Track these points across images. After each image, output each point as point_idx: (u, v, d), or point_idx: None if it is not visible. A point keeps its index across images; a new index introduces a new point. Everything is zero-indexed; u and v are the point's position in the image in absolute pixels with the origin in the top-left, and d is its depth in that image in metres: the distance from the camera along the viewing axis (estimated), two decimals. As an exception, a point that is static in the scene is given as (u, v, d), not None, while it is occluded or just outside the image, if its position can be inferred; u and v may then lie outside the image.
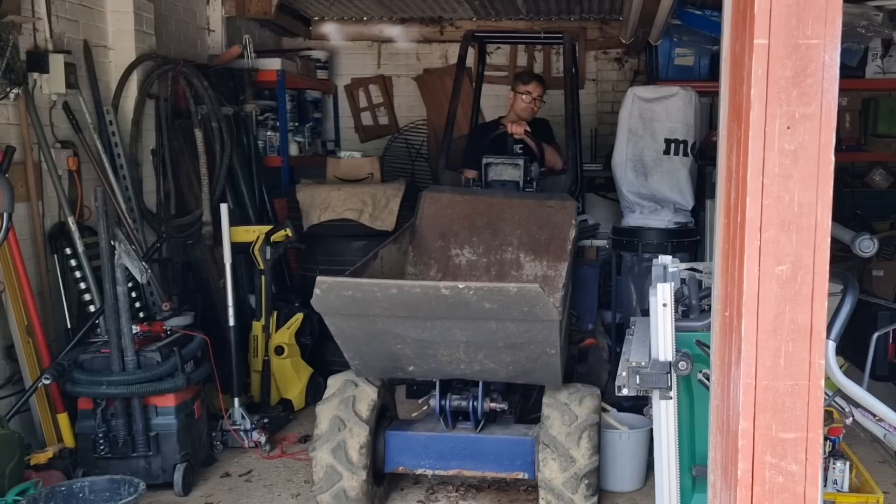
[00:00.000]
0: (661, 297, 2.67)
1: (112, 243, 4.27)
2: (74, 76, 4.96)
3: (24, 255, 4.51)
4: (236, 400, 5.06)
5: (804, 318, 1.70)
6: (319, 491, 4.04)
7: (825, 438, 3.38)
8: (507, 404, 4.20)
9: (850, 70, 6.88)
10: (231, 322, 5.18)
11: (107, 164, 5.27)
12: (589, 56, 8.41)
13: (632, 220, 5.88)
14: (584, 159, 7.01)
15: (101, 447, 4.30)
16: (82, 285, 4.92)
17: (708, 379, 2.54)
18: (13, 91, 4.54)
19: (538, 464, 3.96)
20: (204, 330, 4.89)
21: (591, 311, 5.66)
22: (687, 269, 3.50)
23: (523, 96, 5.70)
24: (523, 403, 4.67)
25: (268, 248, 5.39)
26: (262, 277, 5.44)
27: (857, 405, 2.93)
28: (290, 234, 5.50)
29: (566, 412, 3.97)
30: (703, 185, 6.14)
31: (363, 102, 8.77)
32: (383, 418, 4.28)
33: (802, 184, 1.67)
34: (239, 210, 6.13)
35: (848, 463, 3.53)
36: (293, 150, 7.39)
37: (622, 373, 2.73)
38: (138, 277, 4.40)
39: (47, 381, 4.27)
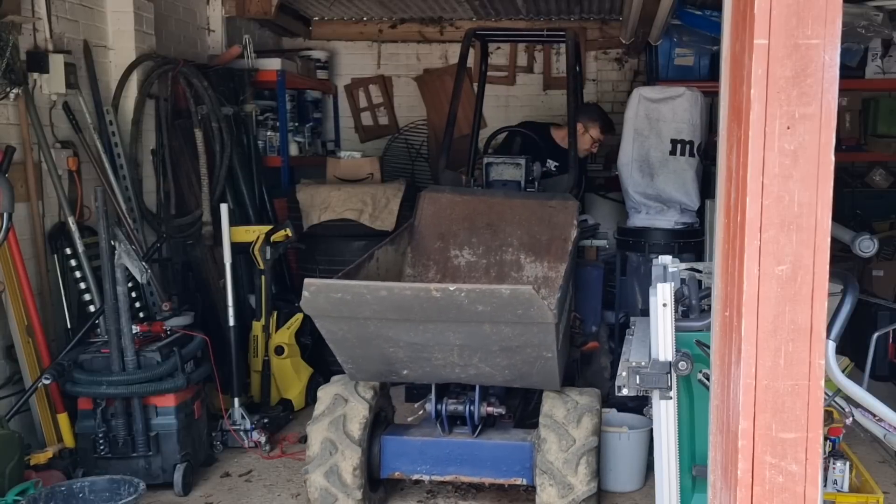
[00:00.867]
0: (661, 297, 2.67)
1: (112, 243, 4.27)
2: (74, 76, 4.96)
3: (24, 255, 4.51)
4: (236, 400, 5.06)
5: (804, 318, 1.70)
6: None
7: (825, 438, 3.38)
8: (504, 409, 4.12)
9: (850, 70, 6.88)
10: (231, 322, 5.18)
11: (107, 164, 5.27)
12: (589, 56, 8.41)
13: (638, 220, 5.88)
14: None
15: (101, 447, 4.30)
16: (82, 285, 4.92)
17: (708, 379, 2.54)
18: (13, 91, 4.54)
19: (536, 487, 3.87)
20: (204, 330, 4.89)
21: (595, 313, 5.61)
22: (687, 269, 3.50)
23: (589, 138, 5.86)
24: (524, 407, 4.60)
25: (268, 248, 5.39)
26: (262, 277, 5.44)
27: (857, 405, 2.93)
28: (290, 234, 5.50)
29: (564, 436, 3.85)
30: (709, 186, 6.15)
31: (363, 102, 8.77)
32: (379, 423, 4.20)
33: (802, 184, 1.67)
34: (239, 210, 6.13)
35: (848, 463, 3.53)
36: (293, 150, 7.39)
37: (622, 373, 2.73)
38: (138, 277, 4.40)
39: (47, 381, 4.27)
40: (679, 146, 5.65)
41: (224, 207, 5.18)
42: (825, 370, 1.76)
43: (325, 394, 4.07)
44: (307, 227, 6.27)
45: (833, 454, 3.50)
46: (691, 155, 5.68)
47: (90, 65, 5.26)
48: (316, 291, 3.44)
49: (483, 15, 8.36)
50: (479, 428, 4.10)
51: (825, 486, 3.40)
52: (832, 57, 1.64)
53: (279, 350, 5.53)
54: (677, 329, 2.74)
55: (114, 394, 4.26)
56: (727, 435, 1.88)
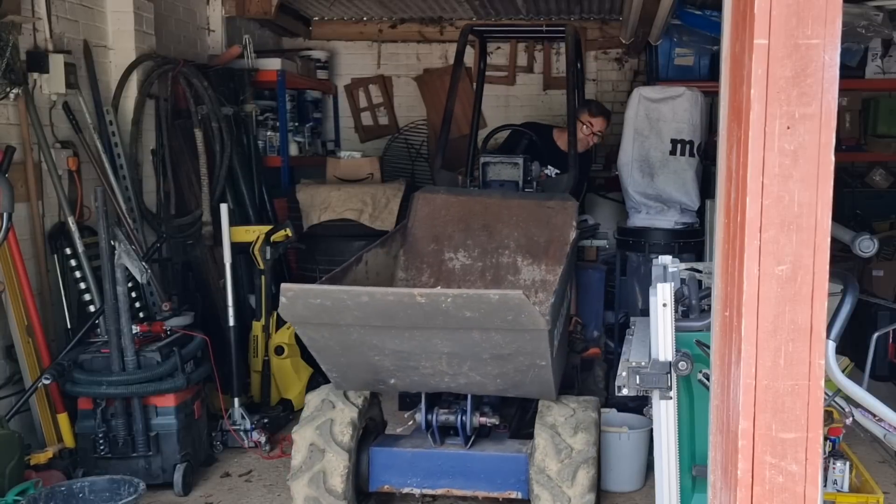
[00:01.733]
0: (661, 297, 2.67)
1: (112, 243, 4.27)
2: (74, 76, 4.96)
3: (24, 255, 4.51)
4: (236, 400, 5.06)
5: (804, 318, 1.70)
6: None
7: (825, 438, 3.38)
8: (498, 419, 3.95)
9: (850, 70, 6.88)
10: (231, 322, 5.19)
11: (107, 164, 5.27)
12: (589, 56, 8.41)
13: (638, 220, 5.88)
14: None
15: (101, 447, 4.31)
16: (82, 285, 4.92)
17: (708, 379, 2.54)
18: (13, 91, 4.54)
19: (531, 501, 3.72)
20: (204, 330, 4.89)
21: (597, 316, 5.50)
22: (687, 269, 3.50)
23: (583, 126, 5.60)
24: (520, 416, 4.43)
25: (268, 248, 5.39)
26: (262, 277, 5.44)
27: (857, 405, 2.93)
28: (290, 234, 5.50)
29: (560, 447, 3.67)
30: (709, 186, 6.15)
31: (363, 102, 8.77)
32: (368, 433, 4.05)
33: (802, 184, 1.67)
34: (239, 210, 6.13)
35: (848, 463, 3.53)
36: (293, 150, 7.39)
37: (622, 373, 2.73)
38: (138, 277, 4.40)
39: (47, 381, 4.27)
40: (679, 146, 5.65)
41: (224, 207, 5.18)
42: (825, 370, 1.76)
43: (313, 398, 3.92)
44: (307, 227, 6.27)
45: (833, 454, 3.50)
46: (691, 155, 5.68)
47: (90, 65, 5.26)
48: (294, 297, 3.26)
49: (483, 15, 8.36)
50: (472, 439, 3.93)
51: (825, 486, 3.40)
52: (832, 57, 1.64)
53: (279, 350, 5.53)
54: (677, 329, 2.74)
55: (114, 394, 4.26)
56: (727, 435, 1.88)
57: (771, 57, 1.65)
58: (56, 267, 4.88)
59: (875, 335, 3.02)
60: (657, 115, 5.71)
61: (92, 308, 4.88)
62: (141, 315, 5.11)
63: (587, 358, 5.18)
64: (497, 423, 3.96)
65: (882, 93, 7.41)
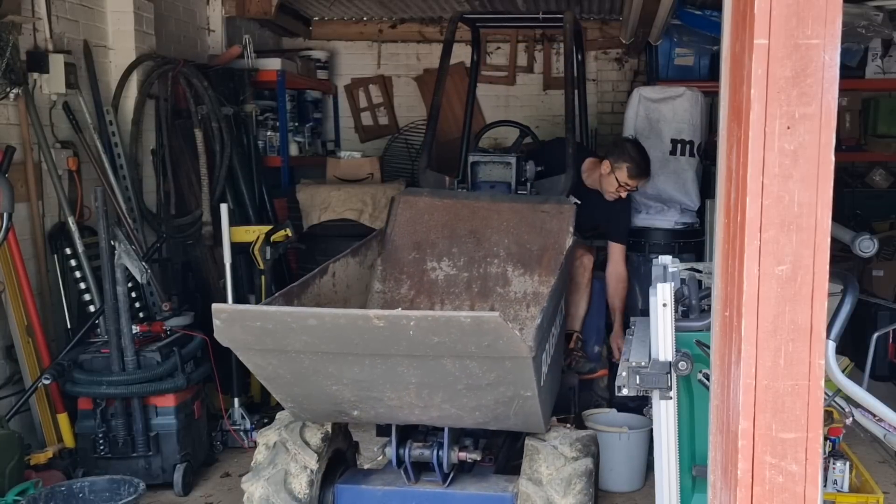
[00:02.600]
0: (661, 297, 2.67)
1: (112, 243, 4.27)
2: (74, 76, 4.97)
3: (24, 255, 4.51)
4: (236, 400, 5.06)
5: (804, 318, 1.70)
6: None
7: (825, 438, 3.38)
8: (479, 455, 3.46)
9: (850, 70, 6.88)
10: (231, 322, 5.17)
11: (107, 164, 5.27)
12: (589, 56, 8.41)
13: (638, 220, 5.88)
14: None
15: (101, 447, 4.31)
16: (82, 285, 4.92)
17: (708, 379, 2.54)
18: (13, 91, 4.54)
19: None
20: (204, 330, 4.88)
21: (599, 331, 5.14)
22: (687, 269, 3.50)
23: (620, 186, 4.83)
24: (510, 444, 3.96)
25: (268, 248, 5.39)
26: (262, 277, 5.44)
27: (857, 405, 2.93)
28: (290, 234, 5.50)
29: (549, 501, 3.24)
30: (709, 186, 6.15)
31: (363, 102, 8.77)
32: (334, 469, 3.62)
33: (802, 184, 1.67)
34: (239, 210, 6.13)
35: (848, 463, 3.53)
36: (293, 150, 7.39)
37: (622, 373, 2.73)
38: (138, 277, 4.40)
39: (47, 381, 4.27)
40: (679, 146, 5.65)
41: (224, 207, 5.18)
42: (825, 370, 1.76)
43: (264, 440, 3.46)
44: (307, 227, 6.27)
45: (833, 454, 3.50)
46: (691, 155, 5.68)
47: (90, 65, 5.26)
48: (229, 320, 2.83)
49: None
50: (451, 475, 3.46)
51: (825, 486, 3.40)
52: (832, 57, 1.64)
53: (279, 350, 5.51)
54: (677, 329, 2.74)
55: (114, 394, 4.26)
56: (727, 435, 1.88)
57: (771, 57, 1.65)
58: (56, 267, 4.88)
59: (875, 335, 3.02)
60: (657, 115, 5.71)
61: (92, 308, 4.88)
62: (141, 315, 5.11)
63: (588, 381, 4.86)
64: (478, 458, 3.48)
65: (882, 93, 7.41)
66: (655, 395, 2.72)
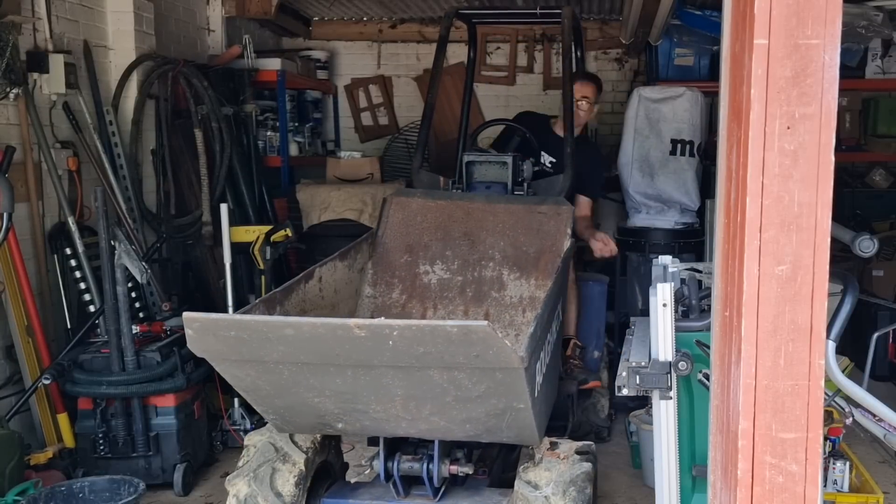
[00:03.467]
0: (661, 297, 2.67)
1: (112, 243, 4.27)
2: (74, 76, 4.97)
3: (24, 255, 4.51)
4: (236, 400, 5.06)
5: (804, 318, 1.70)
6: None
7: (825, 438, 3.38)
8: (471, 468, 3.30)
9: (850, 70, 6.89)
10: (231, 322, 5.17)
11: (107, 164, 5.27)
12: (589, 56, 8.41)
13: (638, 220, 5.89)
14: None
15: (101, 447, 4.31)
16: (82, 285, 4.92)
17: (708, 379, 2.54)
18: (13, 91, 4.54)
19: None
20: (204, 330, 4.88)
21: (599, 336, 4.99)
22: (687, 269, 3.50)
23: (579, 102, 4.90)
24: (505, 455, 3.82)
25: (268, 248, 5.39)
26: (262, 277, 5.44)
27: (857, 405, 2.93)
28: (290, 234, 5.50)
29: None
30: (709, 186, 6.16)
31: (363, 102, 8.77)
32: (320, 480, 3.49)
33: (802, 184, 1.67)
34: (239, 210, 6.13)
35: (848, 463, 3.54)
36: (293, 150, 7.39)
37: (622, 373, 2.73)
38: (138, 277, 4.40)
39: (47, 381, 4.27)
40: (679, 146, 5.66)
41: (224, 207, 5.18)
42: (825, 370, 1.76)
43: (252, 441, 3.34)
44: (307, 227, 6.27)
45: (833, 454, 3.50)
46: (691, 155, 5.69)
47: (90, 65, 5.26)
48: (202, 329, 2.69)
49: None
50: (443, 489, 3.33)
51: (825, 486, 3.40)
52: (832, 57, 1.64)
53: (279, 350, 5.51)
54: (677, 329, 2.74)
55: (114, 394, 4.26)
56: (727, 435, 1.88)
57: (771, 57, 1.65)
58: (56, 267, 4.88)
59: (875, 335, 3.02)
60: (657, 115, 5.72)
61: (92, 308, 4.88)
62: (141, 315, 5.11)
63: (586, 390, 4.70)
64: (470, 472, 3.31)
65: (882, 93, 7.42)
66: (655, 395, 2.72)
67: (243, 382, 2.95)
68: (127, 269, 4.30)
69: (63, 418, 4.47)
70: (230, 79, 6.51)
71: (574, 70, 5.20)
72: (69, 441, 4.44)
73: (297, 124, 7.64)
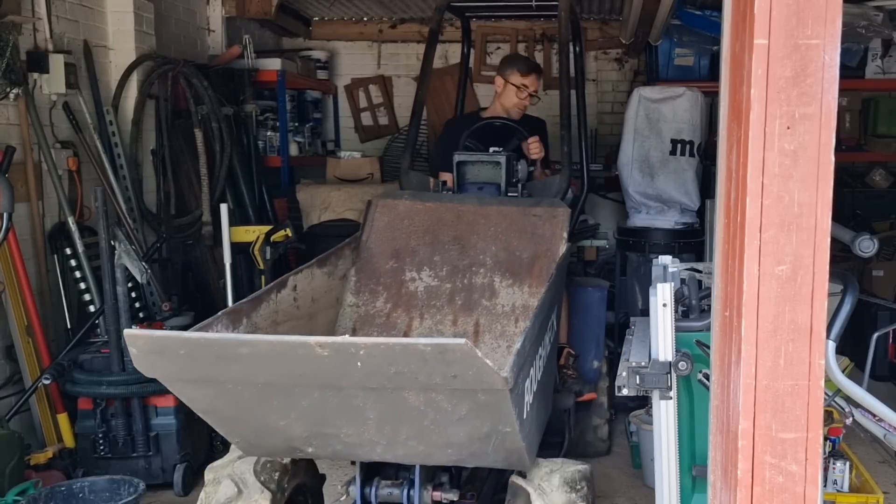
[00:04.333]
0: (661, 297, 2.67)
1: (112, 243, 4.27)
2: (74, 76, 4.97)
3: (24, 255, 4.51)
4: (236, 400, 5.06)
5: (804, 318, 1.70)
6: None
7: (825, 438, 3.38)
8: (456, 494, 3.01)
9: (850, 70, 6.89)
10: (231, 322, 5.17)
11: (107, 164, 5.27)
12: (589, 56, 8.41)
13: (638, 220, 5.89)
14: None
15: (101, 447, 4.31)
16: (82, 285, 4.92)
17: (708, 379, 2.54)
18: (13, 91, 4.54)
19: None
20: (204, 330, 4.89)
21: (598, 344, 4.74)
22: (687, 269, 3.50)
23: (518, 90, 4.76)
24: (497, 474, 3.50)
25: (268, 248, 5.39)
26: (262, 277, 5.44)
27: (857, 405, 2.93)
28: (290, 234, 5.50)
29: None
30: (709, 186, 6.16)
31: (363, 102, 8.77)
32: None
33: (802, 184, 1.67)
34: (239, 210, 6.13)
35: (848, 463, 3.54)
36: (293, 150, 7.39)
37: (622, 373, 2.73)
38: (138, 277, 4.40)
39: (47, 381, 4.27)
40: (679, 146, 5.66)
41: (224, 207, 5.18)
42: (825, 370, 1.76)
43: (212, 475, 3.05)
44: (307, 227, 6.27)
45: (833, 454, 3.50)
46: (691, 155, 5.69)
47: (90, 65, 5.26)
48: (147, 349, 2.42)
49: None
50: None
51: (825, 486, 3.40)
52: (832, 57, 1.64)
53: (279, 350, 5.51)
54: (677, 329, 2.74)
55: (114, 394, 4.26)
56: (727, 435, 1.88)
57: (771, 57, 1.65)
58: (56, 267, 4.88)
59: (875, 335, 3.02)
60: (657, 115, 5.72)
61: (92, 308, 4.88)
62: (141, 315, 5.11)
63: (582, 403, 4.43)
64: (455, 499, 3.02)
65: (882, 93, 7.41)
66: (655, 395, 2.72)
67: (201, 404, 2.68)
68: (127, 269, 4.30)
69: (63, 418, 4.47)
70: (230, 79, 6.51)
71: (582, 83, 5.18)
72: (69, 441, 4.44)
73: (297, 124, 7.64)
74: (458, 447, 2.69)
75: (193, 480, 4.50)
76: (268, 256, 5.40)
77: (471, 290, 4.00)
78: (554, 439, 4.08)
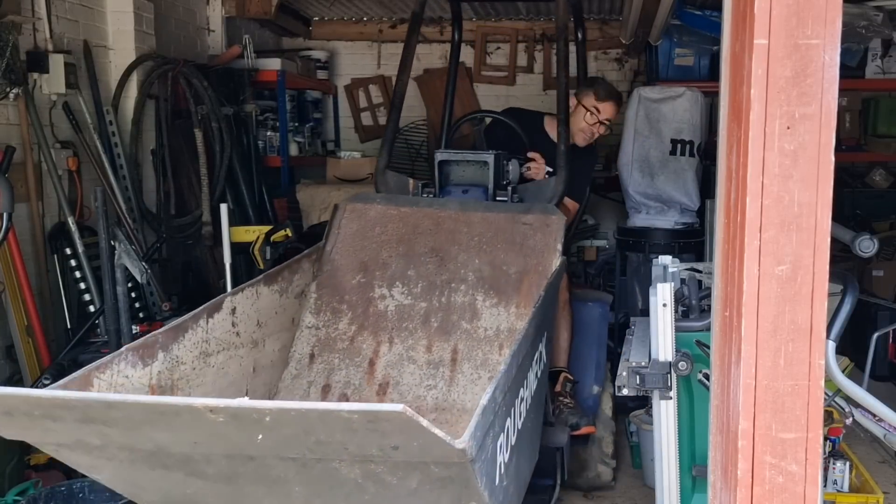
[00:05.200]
0: (661, 297, 2.67)
1: (112, 243, 4.27)
2: (74, 76, 4.96)
3: (24, 255, 4.51)
4: (236, 400, 5.05)
5: (804, 318, 1.70)
6: None
7: (825, 438, 3.38)
8: None
9: (850, 70, 6.89)
10: (231, 322, 5.18)
11: (107, 164, 5.27)
12: (589, 56, 8.40)
13: (638, 220, 5.89)
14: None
15: (101, 447, 4.30)
16: (82, 285, 4.92)
17: (708, 379, 2.54)
18: (13, 91, 4.54)
19: None
20: (204, 330, 4.88)
21: (599, 366, 4.26)
22: (687, 269, 3.50)
23: (587, 114, 4.32)
24: None
25: (268, 248, 5.38)
26: (262, 277, 5.44)
27: (857, 405, 2.93)
28: (290, 235, 5.49)
29: None
30: (709, 186, 6.16)
31: (363, 102, 8.77)
32: None
33: (802, 184, 1.67)
34: (239, 210, 6.13)
35: (848, 463, 3.54)
36: (293, 150, 7.39)
37: (622, 373, 2.73)
38: (138, 277, 4.40)
39: (47, 382, 4.26)
40: (679, 146, 5.66)
41: (224, 207, 5.18)
42: (825, 370, 1.76)
43: None
44: (307, 227, 6.27)
45: (833, 454, 3.50)
46: (691, 155, 5.69)
47: (90, 65, 5.26)
48: None
49: (483, 15, 8.37)
50: None
51: (825, 486, 3.40)
52: (832, 57, 1.64)
53: (279, 350, 5.52)
54: (677, 329, 2.74)
55: (114, 394, 4.26)
56: (727, 435, 1.88)
57: (771, 57, 1.65)
58: (56, 267, 4.88)
59: (875, 335, 3.03)
60: (657, 115, 5.72)
61: (92, 308, 4.88)
62: (141, 315, 5.11)
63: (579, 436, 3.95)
64: None
65: (882, 93, 7.41)
66: (655, 395, 2.73)
67: (88, 469, 2.19)
68: (127, 269, 4.30)
69: (63, 418, 4.47)
70: (230, 79, 6.51)
71: (584, 74, 4.89)
72: (69, 441, 4.44)
73: (297, 124, 7.64)
74: None
75: (193, 480, 4.51)
76: (268, 256, 5.39)
77: (449, 311, 3.50)
78: (544, 483, 3.65)
